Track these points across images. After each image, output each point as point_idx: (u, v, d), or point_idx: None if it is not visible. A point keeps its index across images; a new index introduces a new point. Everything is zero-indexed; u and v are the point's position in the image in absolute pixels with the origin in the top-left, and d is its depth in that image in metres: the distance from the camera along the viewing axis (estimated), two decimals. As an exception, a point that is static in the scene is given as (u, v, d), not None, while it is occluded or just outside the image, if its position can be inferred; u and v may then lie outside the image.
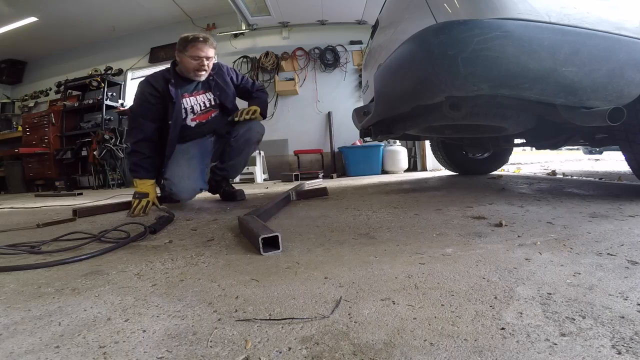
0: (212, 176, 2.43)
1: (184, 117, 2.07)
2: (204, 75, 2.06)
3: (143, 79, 2.08)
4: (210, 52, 2.02)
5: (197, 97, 2.13)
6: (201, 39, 1.98)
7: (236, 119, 2.17)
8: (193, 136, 2.14)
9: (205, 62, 2.01)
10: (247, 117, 2.14)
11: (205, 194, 2.64)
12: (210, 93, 2.16)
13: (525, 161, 5.98)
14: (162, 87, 1.98)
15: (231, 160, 2.29)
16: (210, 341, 0.51)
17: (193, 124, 2.12)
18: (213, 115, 2.20)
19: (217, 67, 2.16)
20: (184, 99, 2.07)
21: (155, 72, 2.08)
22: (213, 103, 2.17)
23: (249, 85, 2.35)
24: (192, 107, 2.10)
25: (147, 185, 1.93)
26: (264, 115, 2.27)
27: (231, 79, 2.25)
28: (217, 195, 2.49)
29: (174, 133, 2.00)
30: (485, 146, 3.04)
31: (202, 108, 2.14)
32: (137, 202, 1.88)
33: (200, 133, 2.17)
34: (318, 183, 3.58)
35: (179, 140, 2.06)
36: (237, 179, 5.06)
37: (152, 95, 1.97)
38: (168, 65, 2.12)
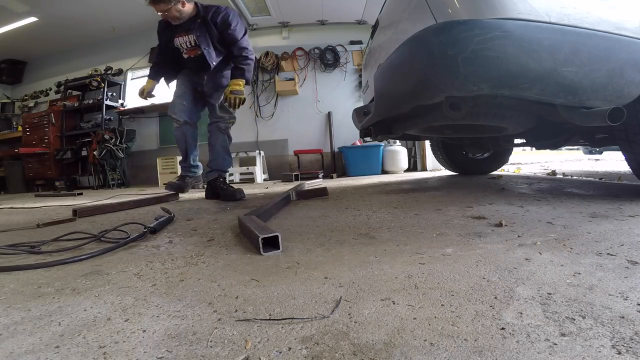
0: (205, 176, 2.64)
1: (181, 51, 2.52)
2: (176, 21, 2.39)
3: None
4: (161, 7, 2.28)
5: (185, 37, 2.47)
6: None
7: (221, 102, 2.55)
8: (189, 66, 2.57)
9: (165, 14, 2.33)
10: (232, 108, 2.50)
11: (205, 195, 2.64)
12: (192, 35, 2.44)
13: (525, 161, 5.99)
14: (160, 27, 2.53)
15: (213, 148, 2.56)
16: (210, 341, 0.51)
17: (186, 56, 2.54)
18: (198, 53, 2.47)
19: (208, 11, 2.42)
20: (176, 38, 2.47)
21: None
22: (194, 44, 2.47)
23: (231, 38, 2.42)
24: (182, 44, 2.50)
25: (147, 82, 2.57)
26: (248, 81, 2.51)
27: (215, 24, 2.41)
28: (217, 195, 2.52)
29: (173, 61, 2.59)
30: (485, 146, 3.04)
31: (189, 46, 2.49)
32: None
33: (194, 65, 2.55)
34: (318, 183, 3.58)
35: (183, 67, 2.60)
36: (237, 179, 5.07)
37: (158, 33, 2.56)
38: None
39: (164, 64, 2.60)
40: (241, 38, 2.44)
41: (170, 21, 2.39)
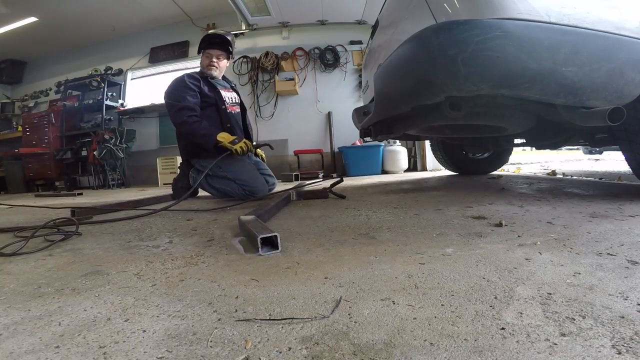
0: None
1: (224, 105, 2.47)
2: (214, 75, 2.50)
3: (180, 75, 2.46)
4: (220, 55, 2.50)
5: (229, 93, 2.60)
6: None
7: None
8: (231, 121, 2.50)
9: (214, 63, 2.48)
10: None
11: (206, 193, 2.64)
12: (235, 93, 2.67)
13: (525, 161, 5.98)
14: (198, 80, 2.41)
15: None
16: (210, 341, 0.51)
17: (229, 111, 2.52)
18: (237, 110, 2.61)
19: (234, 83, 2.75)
20: (222, 91, 2.51)
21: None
22: (237, 100, 2.65)
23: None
24: (227, 99, 2.53)
25: (232, 137, 2.30)
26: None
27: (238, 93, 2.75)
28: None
29: (221, 115, 2.45)
30: (485, 146, 3.04)
31: (233, 101, 2.60)
32: (239, 146, 2.26)
33: (232, 121, 2.52)
34: (319, 182, 3.58)
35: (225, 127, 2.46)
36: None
37: (194, 84, 2.37)
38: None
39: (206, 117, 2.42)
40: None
41: (209, 74, 2.47)
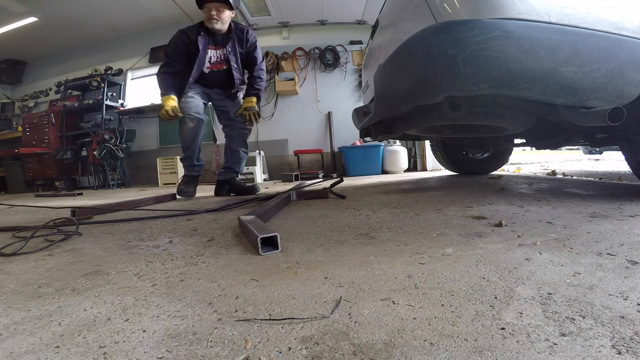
0: (221, 175, 2.74)
1: (204, 64, 2.52)
2: (217, 29, 2.44)
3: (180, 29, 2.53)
4: (220, 7, 2.40)
5: (216, 50, 2.55)
6: None
7: (235, 115, 2.64)
8: (207, 79, 2.57)
9: (215, 17, 2.40)
10: (247, 123, 2.65)
11: (209, 193, 2.65)
12: (223, 50, 2.56)
13: (525, 161, 5.99)
14: (194, 37, 2.46)
15: (234, 151, 2.70)
16: (210, 341, 0.51)
17: (207, 71, 2.56)
18: (223, 68, 2.58)
19: (240, 30, 2.58)
20: (209, 50, 2.51)
21: (192, 25, 2.55)
22: (222, 59, 2.57)
23: (254, 60, 2.66)
24: (211, 57, 2.54)
25: (169, 99, 2.42)
26: (259, 99, 2.71)
27: (246, 41, 2.60)
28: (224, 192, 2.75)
29: (196, 73, 2.52)
30: (485, 146, 3.05)
31: (215, 60, 2.56)
32: (164, 110, 2.40)
33: (211, 79, 2.59)
34: (318, 182, 3.58)
35: (196, 79, 2.54)
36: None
37: (183, 42, 2.46)
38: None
39: (180, 75, 2.53)
40: (262, 61, 2.68)
41: (211, 27, 2.42)
